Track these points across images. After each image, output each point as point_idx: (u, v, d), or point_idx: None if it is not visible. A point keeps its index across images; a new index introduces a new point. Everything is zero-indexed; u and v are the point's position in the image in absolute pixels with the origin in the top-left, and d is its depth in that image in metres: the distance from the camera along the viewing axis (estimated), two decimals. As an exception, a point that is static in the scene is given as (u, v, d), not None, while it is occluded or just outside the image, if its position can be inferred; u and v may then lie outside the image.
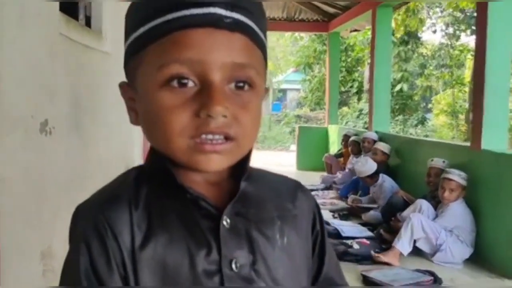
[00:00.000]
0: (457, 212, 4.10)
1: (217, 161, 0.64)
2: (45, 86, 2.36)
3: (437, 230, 4.02)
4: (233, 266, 0.66)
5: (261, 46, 0.68)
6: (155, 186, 0.68)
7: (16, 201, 2.04)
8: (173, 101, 0.62)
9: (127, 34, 0.68)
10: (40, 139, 2.25)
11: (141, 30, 0.64)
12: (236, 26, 0.63)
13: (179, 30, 0.61)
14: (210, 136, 0.62)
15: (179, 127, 0.62)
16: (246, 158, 0.70)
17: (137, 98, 0.68)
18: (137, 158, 4.85)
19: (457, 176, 4.09)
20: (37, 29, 2.25)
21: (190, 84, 0.63)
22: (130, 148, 4.53)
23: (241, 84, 0.65)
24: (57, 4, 2.49)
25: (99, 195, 0.69)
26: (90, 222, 0.64)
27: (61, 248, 2.40)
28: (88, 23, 3.43)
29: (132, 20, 0.67)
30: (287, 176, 0.83)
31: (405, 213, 4.32)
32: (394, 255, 4.00)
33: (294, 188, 0.79)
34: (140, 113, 0.68)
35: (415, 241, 4.05)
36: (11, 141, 1.99)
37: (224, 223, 0.67)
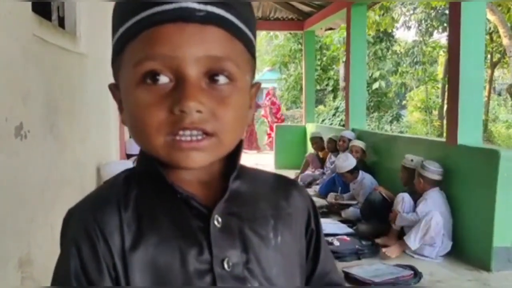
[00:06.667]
0: (435, 198, 4.17)
1: (197, 158, 0.63)
2: (19, 89, 2.29)
3: (440, 232, 4.06)
4: (225, 265, 0.66)
5: (243, 39, 0.66)
6: (145, 186, 0.69)
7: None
8: (148, 98, 0.62)
9: (112, 37, 0.68)
10: (15, 143, 2.19)
11: (120, 30, 0.65)
12: (208, 19, 0.61)
13: (151, 27, 0.61)
14: (187, 132, 0.62)
15: (155, 124, 0.62)
16: (236, 155, 0.70)
17: (122, 98, 0.68)
18: (114, 160, 4.77)
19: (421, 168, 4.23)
20: (8, 29, 2.18)
21: (165, 80, 0.62)
22: (107, 151, 4.46)
23: (217, 78, 0.63)
24: (29, 4, 2.42)
25: (89, 198, 0.70)
26: (81, 225, 0.65)
27: (40, 254, 2.34)
28: (61, 23, 3.35)
29: (114, 22, 0.67)
30: (282, 174, 0.83)
31: (406, 210, 4.35)
32: (400, 250, 4.08)
33: (289, 186, 0.79)
34: (125, 113, 0.68)
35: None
36: (-16, 145, 1.92)
37: (215, 222, 0.67)
